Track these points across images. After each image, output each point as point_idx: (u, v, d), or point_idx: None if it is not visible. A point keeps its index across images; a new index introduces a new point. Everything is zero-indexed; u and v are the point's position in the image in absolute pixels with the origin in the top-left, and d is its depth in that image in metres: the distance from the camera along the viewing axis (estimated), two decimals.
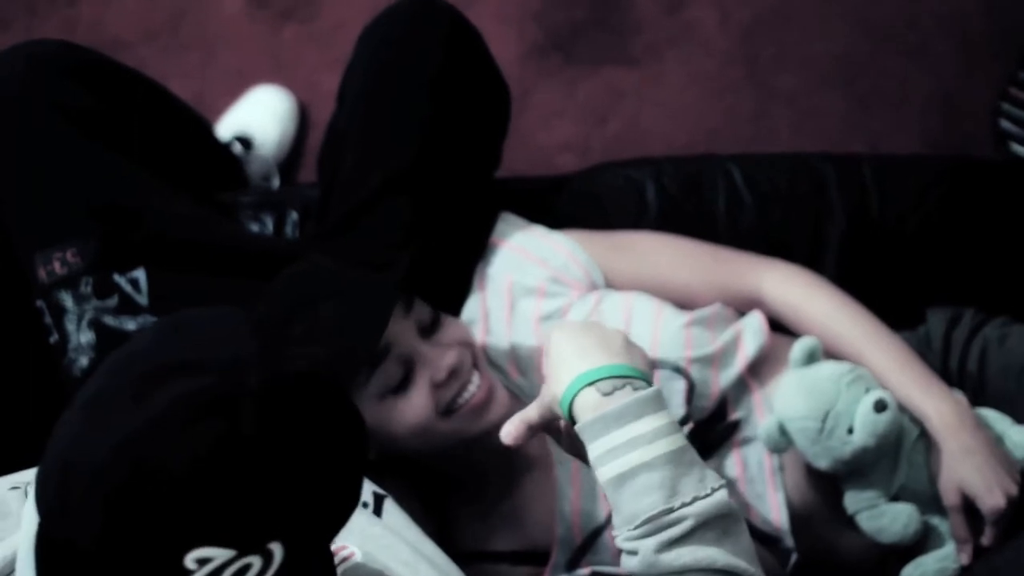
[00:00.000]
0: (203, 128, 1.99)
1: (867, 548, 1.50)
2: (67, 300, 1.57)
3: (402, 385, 1.44)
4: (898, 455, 1.48)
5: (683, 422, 1.53)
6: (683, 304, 1.62)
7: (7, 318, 1.63)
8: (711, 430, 1.55)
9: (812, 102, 2.27)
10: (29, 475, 1.15)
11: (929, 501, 1.48)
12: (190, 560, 0.87)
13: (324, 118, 1.79)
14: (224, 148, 2.08)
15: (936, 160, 1.87)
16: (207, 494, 0.87)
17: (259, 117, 2.21)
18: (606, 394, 1.16)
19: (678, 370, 1.54)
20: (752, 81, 2.30)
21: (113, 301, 1.56)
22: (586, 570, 1.48)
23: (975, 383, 1.57)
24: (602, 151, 2.20)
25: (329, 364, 1.33)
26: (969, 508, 1.45)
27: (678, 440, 1.15)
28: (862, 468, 1.48)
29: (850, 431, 1.45)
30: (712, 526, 1.13)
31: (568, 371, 1.18)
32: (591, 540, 1.50)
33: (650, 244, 1.67)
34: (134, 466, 0.87)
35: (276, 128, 2.21)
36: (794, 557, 1.51)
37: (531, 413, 1.21)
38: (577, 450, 1.19)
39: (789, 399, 1.49)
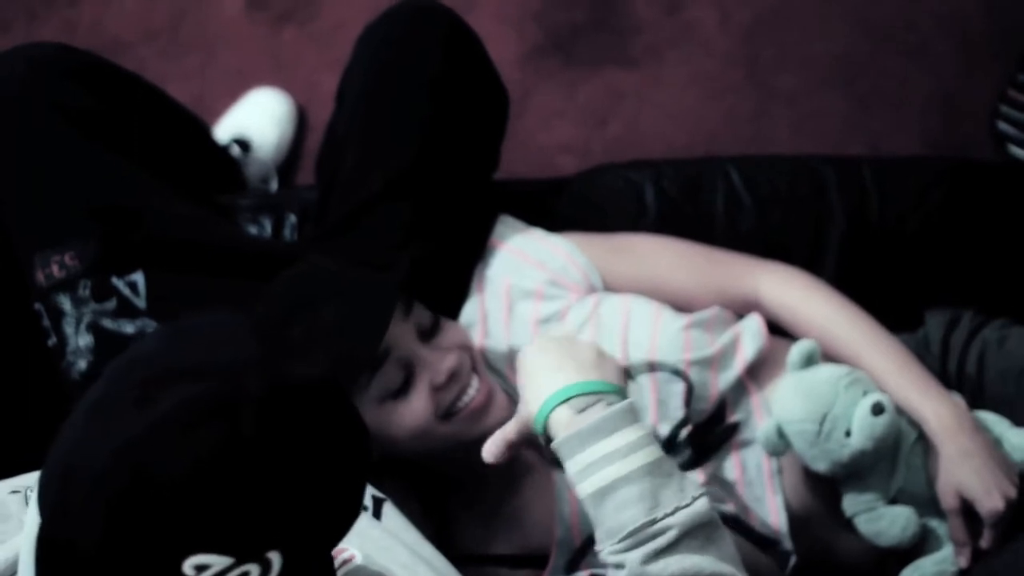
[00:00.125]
0: (201, 130, 2.00)
1: (865, 551, 1.50)
2: (65, 303, 1.57)
3: (402, 389, 1.44)
4: (896, 458, 1.48)
5: (682, 424, 1.53)
6: (681, 307, 1.62)
7: (6, 321, 1.63)
8: (710, 432, 1.55)
9: (812, 102, 2.27)
10: (29, 479, 1.16)
11: (927, 504, 1.48)
12: (188, 566, 0.87)
13: (323, 120, 1.79)
14: (222, 151, 2.09)
15: (936, 162, 1.87)
16: (206, 500, 0.87)
17: (257, 120, 2.21)
18: (579, 411, 1.17)
19: (677, 372, 1.54)
20: (752, 82, 2.29)
21: (111, 304, 1.56)
22: (585, 573, 1.48)
23: (974, 385, 1.57)
24: (602, 153, 2.20)
25: (331, 369, 1.33)
26: (967, 511, 1.45)
27: (654, 452, 1.16)
28: (860, 471, 1.48)
29: (848, 434, 1.45)
30: (696, 534, 1.14)
31: (541, 389, 1.19)
32: (590, 542, 1.49)
33: (649, 247, 1.67)
34: (135, 470, 0.87)
35: (274, 131, 2.21)
36: (793, 559, 1.51)
37: (509, 431, 1.23)
38: (559, 462, 1.20)
39: (787, 402, 1.49)
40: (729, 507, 1.49)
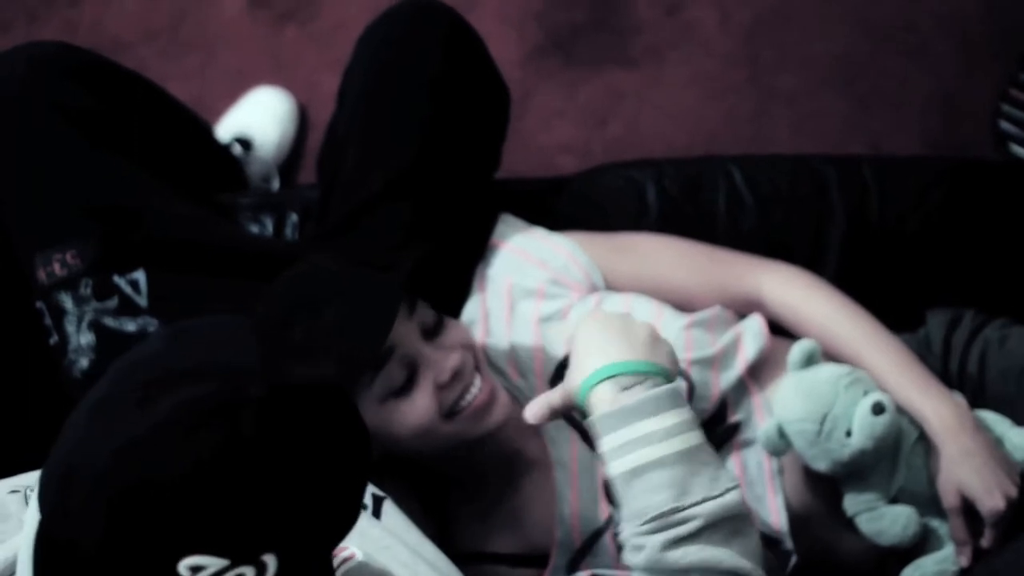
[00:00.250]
0: (202, 129, 2.00)
1: (866, 550, 1.50)
2: (67, 301, 1.57)
3: (405, 387, 1.44)
4: (897, 457, 1.48)
5: None
6: (683, 306, 1.63)
7: (7, 319, 1.63)
8: (711, 432, 1.54)
9: (812, 103, 2.27)
10: (29, 479, 1.16)
11: (928, 503, 1.48)
12: (183, 567, 0.88)
13: (324, 119, 1.79)
14: (224, 149, 2.09)
15: (936, 161, 1.87)
16: (204, 501, 0.87)
17: (259, 118, 2.21)
18: (623, 389, 1.17)
19: (680, 373, 1.54)
20: (752, 82, 2.30)
21: (113, 302, 1.56)
22: (585, 573, 1.48)
23: (975, 385, 1.57)
24: (602, 153, 2.20)
25: (333, 369, 1.33)
26: (968, 510, 1.45)
27: (693, 438, 1.16)
28: (861, 470, 1.48)
29: (848, 433, 1.45)
30: (721, 527, 1.13)
31: (589, 363, 1.20)
32: (591, 543, 1.50)
33: (651, 246, 1.67)
34: (135, 471, 0.87)
35: (276, 129, 2.21)
36: (793, 559, 1.51)
37: (555, 396, 1.24)
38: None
39: (787, 402, 1.49)
40: None
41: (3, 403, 1.61)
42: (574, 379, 1.22)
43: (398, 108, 1.65)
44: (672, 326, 1.57)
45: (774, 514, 1.52)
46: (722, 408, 1.56)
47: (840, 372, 1.48)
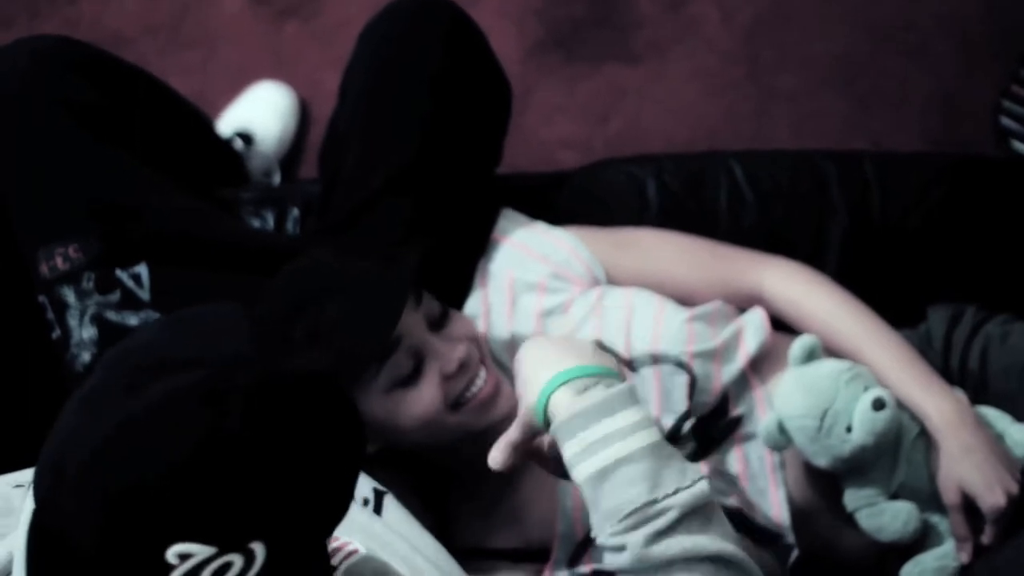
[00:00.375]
0: (204, 124, 2.00)
1: (867, 546, 1.50)
2: (69, 295, 1.57)
3: (412, 377, 1.44)
4: (897, 453, 1.48)
5: (685, 417, 1.53)
6: (684, 301, 1.63)
7: (9, 314, 1.63)
8: (713, 426, 1.55)
9: (812, 102, 2.28)
10: (33, 473, 1.16)
11: (929, 499, 1.49)
12: (171, 555, 0.88)
13: (325, 115, 1.79)
14: (225, 144, 2.09)
15: (938, 157, 1.87)
16: (190, 488, 0.87)
17: (260, 113, 2.21)
18: (580, 392, 1.15)
19: (680, 364, 1.54)
20: (753, 80, 2.30)
21: (115, 296, 1.56)
22: (588, 567, 1.48)
23: (976, 381, 1.57)
24: (603, 148, 2.21)
25: (336, 362, 1.33)
26: (969, 506, 1.45)
27: (654, 433, 1.15)
28: (861, 466, 1.48)
29: (849, 429, 1.45)
30: (697, 515, 1.13)
31: (541, 377, 1.17)
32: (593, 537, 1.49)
33: (652, 241, 1.67)
34: (122, 458, 0.87)
35: (277, 124, 2.22)
36: (794, 554, 1.51)
37: (513, 434, 1.20)
38: (564, 470, 1.17)
39: (788, 397, 1.49)
40: (732, 500, 1.49)
41: (5, 397, 1.61)
42: (528, 400, 1.18)
43: (399, 105, 1.65)
44: (674, 319, 1.57)
45: (776, 508, 1.52)
46: (724, 401, 1.56)
47: (841, 368, 1.48)
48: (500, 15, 2.29)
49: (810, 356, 1.51)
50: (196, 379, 0.89)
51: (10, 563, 1.03)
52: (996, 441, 1.47)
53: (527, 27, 2.33)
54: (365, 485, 1.37)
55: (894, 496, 1.49)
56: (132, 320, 1.56)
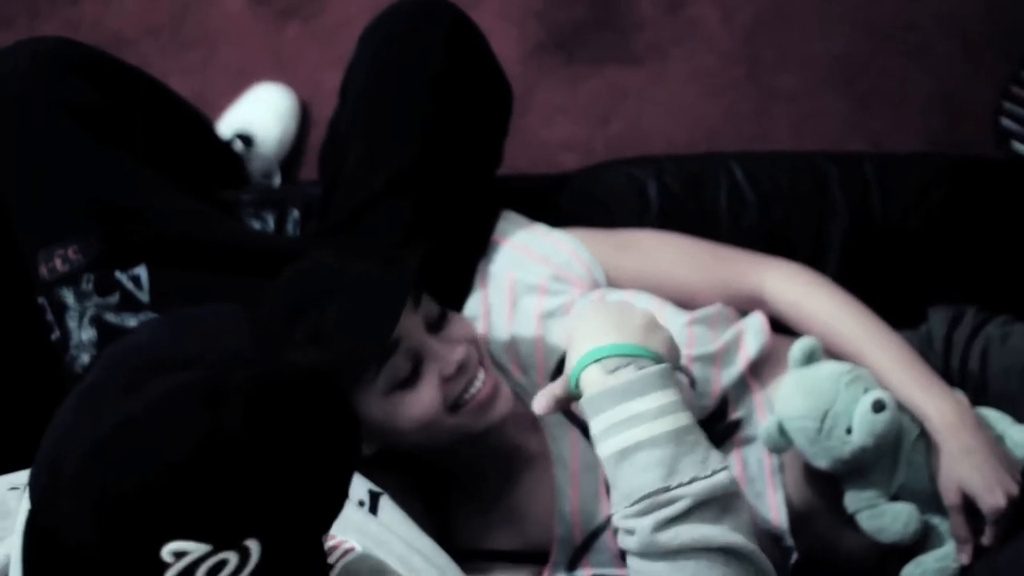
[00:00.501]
0: (204, 125, 1.99)
1: (867, 547, 1.50)
2: (69, 297, 1.57)
3: (410, 379, 1.44)
4: (898, 455, 1.48)
5: None
6: (685, 303, 1.63)
7: (9, 315, 1.63)
8: (712, 429, 1.54)
9: (812, 102, 2.28)
10: (28, 475, 1.16)
11: (929, 500, 1.49)
12: (167, 552, 0.88)
13: (326, 116, 1.79)
14: (225, 146, 2.09)
15: (938, 158, 1.87)
16: (188, 488, 0.87)
17: (260, 115, 2.21)
18: (610, 371, 1.17)
19: (679, 368, 1.54)
20: (753, 81, 2.30)
21: (114, 298, 1.56)
22: (587, 571, 1.48)
23: (977, 382, 1.57)
24: (604, 150, 2.21)
25: (334, 363, 1.33)
26: (969, 508, 1.45)
27: (682, 419, 1.16)
28: (862, 468, 1.48)
29: (849, 431, 1.45)
30: (711, 505, 1.13)
31: (581, 348, 1.22)
32: (591, 540, 1.50)
33: (653, 242, 1.67)
34: (121, 458, 0.87)
35: (277, 126, 2.22)
36: (794, 556, 1.51)
37: (557, 386, 1.25)
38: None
39: (788, 399, 1.49)
40: None
41: (4, 399, 1.61)
42: (568, 365, 1.24)
43: (400, 106, 1.65)
44: (674, 322, 1.57)
45: (774, 511, 1.52)
46: (723, 405, 1.56)
47: (841, 369, 1.48)
48: (501, 17, 2.29)
49: (810, 358, 1.51)
50: (196, 378, 0.89)
51: (7, 567, 1.03)
52: (996, 442, 1.47)
53: (528, 29, 2.34)
54: (360, 487, 1.37)
55: (895, 497, 1.49)
56: (131, 322, 1.56)
